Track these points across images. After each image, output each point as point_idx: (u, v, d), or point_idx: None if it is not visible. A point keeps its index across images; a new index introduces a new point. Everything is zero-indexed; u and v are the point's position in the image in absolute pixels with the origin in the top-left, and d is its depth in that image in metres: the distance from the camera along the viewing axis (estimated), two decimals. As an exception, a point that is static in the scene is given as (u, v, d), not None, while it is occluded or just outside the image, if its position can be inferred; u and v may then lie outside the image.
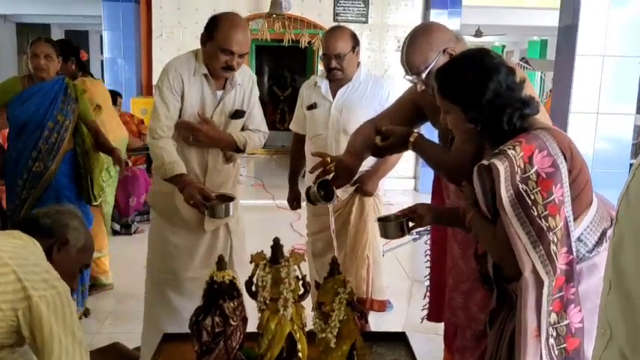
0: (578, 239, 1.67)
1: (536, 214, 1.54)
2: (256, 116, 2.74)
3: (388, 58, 7.70)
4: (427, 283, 2.50)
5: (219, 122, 2.59)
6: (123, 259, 4.86)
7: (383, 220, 2.07)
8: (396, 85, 2.90)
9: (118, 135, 4.11)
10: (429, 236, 2.51)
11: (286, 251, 1.78)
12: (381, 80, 3.16)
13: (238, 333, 1.75)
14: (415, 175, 7.88)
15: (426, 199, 2.45)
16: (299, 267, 1.76)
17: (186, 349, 1.85)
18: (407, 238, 2.47)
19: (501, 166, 1.55)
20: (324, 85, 3.08)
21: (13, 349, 1.77)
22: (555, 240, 1.55)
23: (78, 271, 1.96)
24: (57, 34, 13.97)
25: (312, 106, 3.11)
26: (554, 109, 4.71)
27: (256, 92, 2.74)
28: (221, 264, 1.77)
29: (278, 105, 11.80)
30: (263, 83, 11.96)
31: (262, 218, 5.72)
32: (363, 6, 7.80)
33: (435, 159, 2.12)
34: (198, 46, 2.62)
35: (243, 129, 2.69)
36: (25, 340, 1.71)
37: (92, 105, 3.72)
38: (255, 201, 6.57)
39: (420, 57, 2.00)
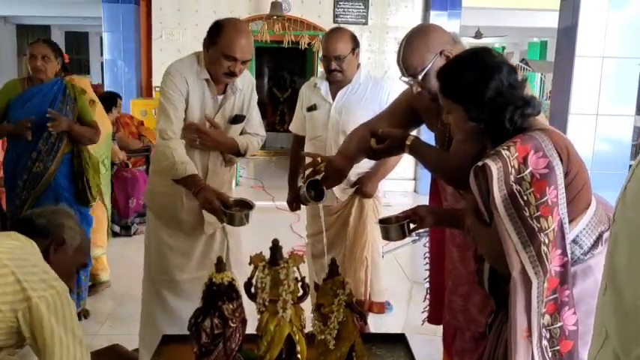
0: (574, 241, 1.66)
1: (528, 214, 1.55)
2: (255, 120, 2.74)
3: (388, 60, 7.70)
4: (427, 285, 2.50)
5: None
6: (122, 261, 4.86)
7: (384, 223, 2.07)
8: (396, 86, 2.90)
9: (104, 130, 4.09)
10: (427, 239, 2.50)
11: (285, 253, 1.78)
12: (380, 82, 3.16)
13: (237, 334, 1.75)
14: (415, 176, 7.89)
15: (426, 200, 2.45)
16: (298, 268, 1.75)
17: (186, 351, 1.85)
18: (406, 239, 2.47)
19: (494, 167, 1.56)
20: (324, 86, 3.08)
21: (12, 350, 1.77)
22: (547, 241, 1.55)
23: (75, 271, 1.96)
24: (57, 36, 14.00)
25: (311, 108, 3.11)
26: (554, 111, 4.71)
27: (255, 96, 2.74)
28: (220, 265, 1.77)
29: (278, 106, 11.80)
30: (263, 85, 11.97)
31: (261, 219, 5.68)
32: (362, 7, 7.80)
33: (433, 162, 2.11)
34: (198, 47, 2.61)
35: (241, 133, 2.69)
36: (25, 341, 1.71)
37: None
38: (255, 202, 6.55)
39: (417, 58, 2.00)
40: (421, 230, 2.35)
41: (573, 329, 1.61)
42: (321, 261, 3.12)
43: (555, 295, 1.59)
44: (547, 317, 1.59)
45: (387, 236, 2.06)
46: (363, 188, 3.05)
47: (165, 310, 2.70)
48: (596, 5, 4.31)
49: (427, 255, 2.47)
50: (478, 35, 11.90)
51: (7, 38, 13.27)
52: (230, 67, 2.42)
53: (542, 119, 1.84)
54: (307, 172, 2.30)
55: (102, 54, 8.15)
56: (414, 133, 2.47)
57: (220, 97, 2.58)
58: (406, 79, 2.07)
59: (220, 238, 2.73)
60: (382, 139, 2.10)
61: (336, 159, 2.28)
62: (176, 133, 2.46)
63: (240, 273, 2.44)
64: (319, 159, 2.27)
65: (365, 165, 3.05)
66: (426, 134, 2.28)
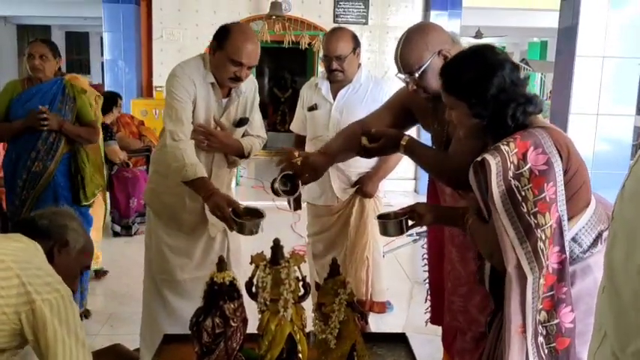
0: (573, 239, 1.67)
1: (525, 210, 1.55)
2: (257, 122, 2.75)
3: (388, 60, 7.69)
4: (427, 286, 2.50)
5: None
6: (123, 261, 4.87)
7: (383, 218, 2.08)
8: (396, 86, 2.91)
9: None
10: (425, 240, 2.50)
11: (286, 252, 1.78)
12: (381, 82, 3.16)
13: (238, 334, 1.76)
14: (415, 176, 7.89)
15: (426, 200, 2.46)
16: (299, 268, 1.76)
17: (187, 350, 1.86)
18: (407, 239, 2.48)
19: (493, 161, 1.57)
20: (325, 86, 3.08)
21: (14, 351, 1.77)
22: (543, 237, 1.55)
23: (78, 273, 1.97)
24: (57, 36, 14.01)
25: (312, 108, 3.12)
26: (554, 110, 4.71)
27: (257, 98, 2.74)
28: (221, 265, 1.77)
29: (278, 106, 11.81)
30: (263, 85, 11.96)
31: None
32: (363, 7, 7.81)
33: (431, 162, 2.11)
34: (198, 47, 2.63)
35: (243, 135, 2.70)
36: (27, 343, 1.71)
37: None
38: (255, 202, 6.56)
39: (415, 56, 2.00)
40: (421, 230, 2.36)
41: (570, 327, 1.61)
42: (322, 261, 3.12)
43: (552, 292, 1.59)
44: (543, 314, 1.60)
45: (385, 232, 2.06)
46: (364, 188, 3.05)
47: (167, 309, 2.71)
48: (597, 5, 4.31)
49: (425, 256, 2.47)
50: (478, 35, 11.90)
51: (8, 38, 13.28)
52: (236, 72, 2.42)
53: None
54: (282, 165, 2.29)
55: (102, 54, 8.14)
56: (413, 134, 2.47)
57: (225, 101, 2.58)
58: (402, 76, 2.07)
59: (221, 238, 2.73)
60: (376, 138, 2.10)
61: (314, 156, 2.27)
62: (186, 134, 2.44)
63: (239, 272, 2.45)
64: (296, 153, 2.26)
65: (365, 165, 3.05)
66: (425, 135, 2.28)
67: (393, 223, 2.02)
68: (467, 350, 2.12)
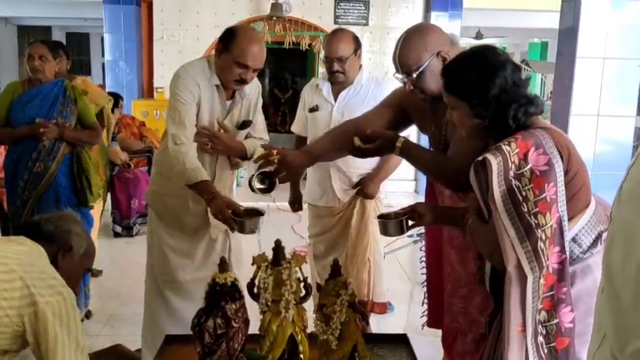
0: (573, 240, 1.67)
1: (526, 210, 1.56)
2: (259, 124, 2.75)
3: (389, 61, 7.61)
4: (424, 289, 2.49)
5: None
6: (124, 261, 4.88)
7: (383, 218, 2.08)
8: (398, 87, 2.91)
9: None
10: (423, 242, 2.49)
11: (287, 253, 1.78)
12: (382, 83, 3.16)
13: (240, 335, 1.76)
14: (416, 177, 7.89)
15: (426, 201, 2.46)
16: (300, 269, 1.76)
17: (188, 351, 1.86)
18: (408, 240, 2.49)
19: (494, 161, 1.57)
20: (326, 87, 3.09)
21: (14, 354, 1.77)
22: (544, 237, 1.56)
23: (81, 276, 1.98)
24: (58, 37, 14.01)
25: (313, 109, 3.12)
26: (555, 112, 4.71)
27: (260, 101, 2.75)
28: (223, 266, 1.77)
29: (279, 107, 11.80)
30: (264, 85, 11.96)
31: (263, 220, 5.72)
32: (363, 8, 7.81)
33: (428, 164, 2.11)
34: (199, 48, 2.63)
35: (246, 137, 2.70)
36: (27, 346, 1.72)
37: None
38: (256, 203, 6.55)
39: (413, 56, 2.00)
40: (422, 231, 2.36)
41: (570, 326, 1.62)
42: (323, 262, 3.13)
43: (552, 292, 1.60)
44: (543, 313, 1.60)
45: (385, 232, 2.06)
46: (365, 189, 3.05)
47: (168, 310, 2.71)
48: (597, 6, 4.31)
49: (423, 259, 2.47)
50: (479, 36, 11.90)
51: (9, 39, 13.27)
52: (241, 74, 2.42)
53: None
54: (260, 162, 2.29)
55: (103, 55, 8.13)
56: (413, 136, 2.47)
57: (229, 103, 2.58)
58: (400, 76, 2.07)
59: (222, 239, 2.74)
60: (371, 139, 2.09)
61: (292, 155, 2.27)
62: (188, 138, 2.44)
63: (241, 273, 2.45)
64: (274, 151, 2.26)
65: (366, 166, 3.05)
66: (424, 137, 2.28)
67: (394, 223, 2.02)
68: (467, 352, 2.12)
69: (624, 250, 0.98)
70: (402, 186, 7.57)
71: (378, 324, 3.32)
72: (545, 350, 1.61)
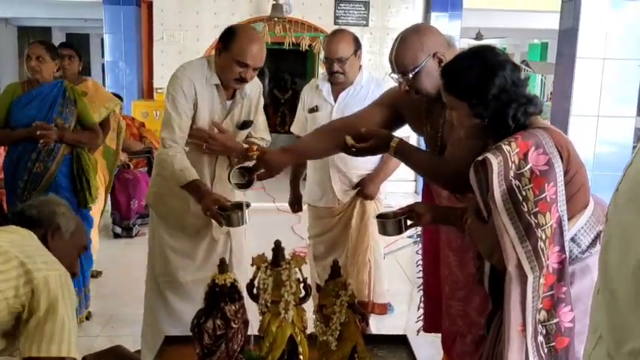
0: (572, 240, 1.68)
1: (526, 210, 1.56)
2: (260, 124, 2.75)
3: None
4: (421, 293, 2.48)
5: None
6: (124, 262, 4.87)
7: (381, 218, 2.08)
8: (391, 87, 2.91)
9: None
10: (420, 245, 2.49)
11: (287, 254, 1.78)
12: (382, 83, 3.15)
13: (240, 335, 1.76)
14: (416, 177, 7.89)
15: (427, 202, 2.45)
16: (300, 270, 1.76)
17: (188, 352, 1.86)
18: (408, 240, 2.49)
19: (495, 161, 1.58)
20: (326, 88, 3.09)
21: (11, 350, 1.78)
22: (544, 237, 1.56)
23: (76, 255, 1.99)
24: (58, 38, 14.00)
25: (313, 109, 3.12)
26: (555, 112, 4.71)
27: (262, 101, 2.75)
28: (223, 267, 1.77)
29: (279, 108, 11.80)
30: (264, 86, 11.90)
31: (263, 221, 5.71)
32: (363, 9, 7.81)
33: (425, 165, 2.11)
34: (199, 48, 2.64)
35: (247, 137, 2.70)
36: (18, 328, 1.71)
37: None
38: (256, 204, 6.54)
39: (410, 57, 2.00)
40: (421, 232, 2.36)
41: (569, 326, 1.62)
42: (323, 262, 3.12)
43: (552, 292, 1.60)
44: (543, 313, 1.61)
45: (384, 231, 2.07)
46: (365, 190, 3.05)
47: (168, 310, 2.71)
48: (597, 7, 4.31)
49: (420, 262, 2.46)
50: (479, 37, 11.90)
51: (9, 40, 13.27)
52: (241, 73, 2.42)
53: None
54: (242, 156, 2.30)
55: (103, 55, 8.14)
56: (413, 139, 2.46)
57: (229, 103, 2.58)
58: (396, 76, 2.07)
59: (223, 239, 2.74)
60: (365, 138, 2.09)
61: (272, 153, 2.27)
62: (177, 140, 2.46)
63: (242, 274, 2.45)
64: (254, 147, 2.25)
65: (366, 167, 3.05)
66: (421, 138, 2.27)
67: (392, 222, 2.03)
68: (467, 353, 2.12)
69: (620, 251, 0.98)
70: (402, 187, 7.56)
71: (377, 325, 3.31)
72: (545, 350, 1.61)
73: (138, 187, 5.58)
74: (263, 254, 1.79)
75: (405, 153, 2.09)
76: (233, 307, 1.73)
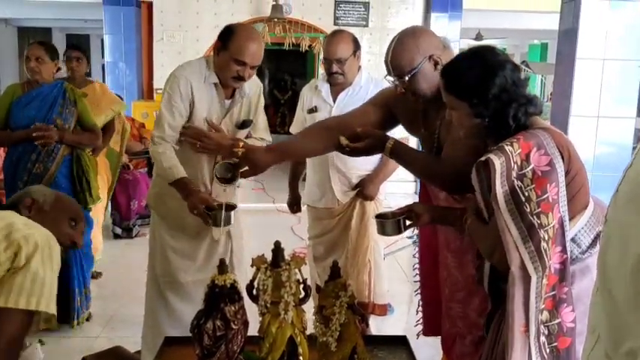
0: (572, 240, 1.68)
1: (528, 210, 1.56)
2: (260, 124, 2.75)
3: (388, 62, 7.69)
4: (418, 297, 2.47)
5: (226, 132, 2.60)
6: (124, 263, 4.88)
7: (380, 218, 2.08)
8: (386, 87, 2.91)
9: None
10: (416, 249, 2.48)
11: (286, 255, 1.78)
12: (381, 84, 3.14)
13: (239, 336, 1.76)
14: (416, 178, 7.88)
15: (427, 202, 2.44)
16: (300, 271, 1.76)
17: (188, 353, 1.86)
18: (408, 241, 2.49)
19: (497, 161, 1.58)
20: (325, 88, 3.09)
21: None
22: (546, 237, 1.56)
23: (66, 226, 1.96)
24: (58, 38, 14.00)
25: (312, 110, 3.12)
26: (555, 113, 4.71)
27: (262, 101, 2.75)
28: (222, 267, 1.77)
29: (278, 108, 11.82)
30: (264, 87, 11.96)
31: (263, 222, 5.72)
32: (363, 10, 7.81)
33: (421, 166, 2.10)
34: (199, 49, 2.64)
35: (247, 137, 2.70)
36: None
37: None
38: (256, 204, 6.58)
39: (406, 59, 2.00)
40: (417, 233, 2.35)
41: (571, 326, 1.62)
42: (323, 263, 3.12)
43: (554, 292, 1.60)
44: (545, 314, 1.61)
45: (382, 231, 2.07)
46: (365, 191, 3.05)
47: (169, 311, 2.71)
48: (597, 7, 4.31)
49: (417, 266, 2.46)
50: (479, 37, 11.90)
51: (9, 41, 13.27)
52: (239, 71, 2.43)
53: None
54: (225, 152, 2.30)
55: (103, 56, 8.14)
56: (413, 141, 2.45)
57: (228, 102, 2.59)
58: (392, 78, 2.07)
59: (224, 240, 2.74)
60: (360, 138, 2.08)
61: (257, 152, 2.26)
62: (166, 138, 2.48)
63: (242, 275, 2.46)
64: (240, 144, 2.25)
65: (366, 167, 3.05)
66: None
67: (391, 222, 2.03)
68: (466, 354, 2.12)
69: (620, 251, 0.98)
70: (402, 187, 7.57)
71: (377, 325, 3.31)
72: (548, 350, 1.61)
73: (138, 188, 5.58)
74: (263, 255, 1.79)
75: (400, 154, 2.09)
76: (233, 308, 1.73)
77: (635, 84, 4.50)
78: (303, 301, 1.78)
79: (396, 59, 2.02)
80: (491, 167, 1.59)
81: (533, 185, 1.57)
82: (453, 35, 7.61)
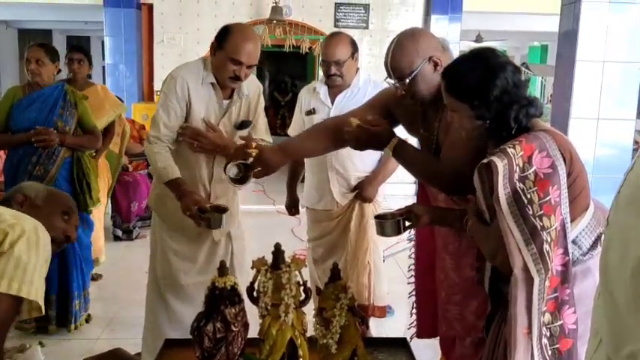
0: (573, 242, 1.68)
1: (531, 212, 1.57)
2: (261, 126, 2.75)
3: (389, 64, 7.69)
4: (413, 299, 2.47)
5: (225, 132, 2.60)
6: (124, 265, 4.87)
7: (380, 218, 2.08)
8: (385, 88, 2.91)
9: None
10: (412, 251, 2.48)
11: (287, 257, 1.78)
12: (380, 85, 3.14)
13: (240, 339, 1.76)
14: (416, 180, 7.87)
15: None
16: (300, 273, 1.76)
17: (188, 355, 1.86)
18: (408, 243, 2.48)
19: (500, 164, 1.58)
20: (323, 90, 3.09)
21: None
22: (549, 239, 1.56)
23: (61, 219, 1.95)
24: (59, 40, 14.00)
25: (310, 112, 3.12)
26: (555, 115, 4.71)
27: (262, 102, 2.75)
28: (223, 270, 1.77)
29: (279, 110, 11.83)
30: (264, 89, 11.97)
31: (263, 224, 5.72)
32: (363, 12, 7.82)
33: (420, 166, 2.10)
34: (199, 51, 2.65)
35: None
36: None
37: None
38: (256, 206, 6.57)
39: (406, 62, 2.00)
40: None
41: (573, 328, 1.63)
42: (323, 265, 3.12)
43: (556, 294, 1.61)
44: (547, 315, 1.61)
45: (382, 232, 2.07)
46: (363, 193, 3.05)
47: (169, 313, 2.71)
48: (597, 10, 4.31)
49: (412, 267, 2.46)
50: (479, 39, 11.90)
51: (9, 42, 13.28)
52: (235, 70, 2.43)
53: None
54: (238, 153, 2.28)
55: (103, 58, 8.16)
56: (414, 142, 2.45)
57: (226, 102, 2.59)
58: (392, 80, 2.07)
59: (225, 242, 2.74)
60: (372, 125, 2.08)
61: (269, 152, 2.26)
62: (161, 138, 2.49)
63: (243, 277, 2.45)
64: (253, 144, 2.25)
65: (365, 169, 3.05)
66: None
67: (390, 223, 2.03)
68: (466, 356, 2.12)
69: (620, 254, 0.99)
70: (402, 189, 7.56)
71: (377, 328, 3.31)
72: (549, 352, 1.62)
73: (138, 190, 5.58)
74: (263, 257, 1.79)
75: (402, 152, 2.09)
76: (233, 310, 1.73)
77: (635, 86, 4.50)
78: (304, 303, 1.78)
79: (396, 62, 2.02)
80: (493, 169, 1.59)
81: (536, 187, 1.57)
82: (453, 37, 7.62)
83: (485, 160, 1.63)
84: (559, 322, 1.62)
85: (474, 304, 2.06)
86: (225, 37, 2.43)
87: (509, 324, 1.63)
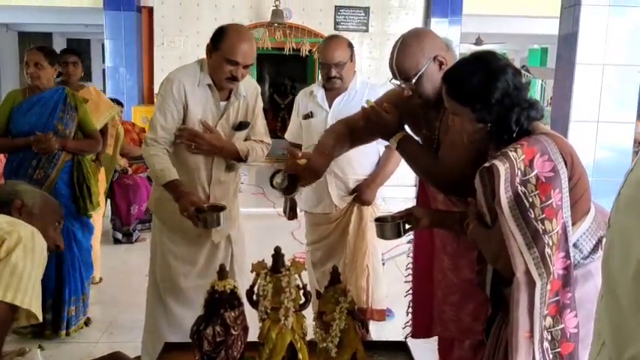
0: (574, 245, 1.68)
1: (533, 216, 1.56)
2: (259, 127, 2.75)
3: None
4: (409, 299, 2.46)
5: (223, 133, 2.60)
6: (124, 268, 4.87)
7: (380, 221, 2.08)
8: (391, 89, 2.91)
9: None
10: (410, 250, 2.48)
11: (286, 259, 1.78)
12: (377, 88, 3.16)
13: (239, 342, 1.75)
14: (416, 182, 7.86)
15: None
16: (300, 276, 1.76)
17: (187, 359, 1.85)
18: (407, 246, 2.48)
19: (502, 167, 1.58)
20: (321, 94, 3.09)
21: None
22: (551, 243, 1.56)
23: (53, 228, 1.96)
24: (59, 43, 14.02)
25: (308, 115, 3.12)
26: (555, 117, 4.71)
27: (260, 103, 2.75)
28: (222, 273, 1.77)
29: (278, 113, 11.84)
30: (264, 91, 12.01)
31: (263, 226, 5.72)
32: (363, 15, 7.83)
33: (422, 163, 2.11)
34: (199, 54, 2.64)
35: (246, 140, 2.70)
36: None
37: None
38: (256, 209, 6.56)
39: (411, 62, 2.00)
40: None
41: (574, 332, 1.63)
42: (322, 269, 3.12)
43: (557, 298, 1.61)
44: (549, 319, 1.61)
45: (382, 235, 2.06)
46: (362, 196, 3.05)
47: (168, 317, 2.71)
48: (597, 12, 4.31)
49: (410, 266, 2.45)
50: (479, 42, 11.92)
51: (10, 46, 13.30)
52: (232, 71, 2.44)
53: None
54: (289, 163, 2.23)
55: (104, 61, 8.17)
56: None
57: (224, 104, 2.59)
58: (398, 82, 2.07)
59: (225, 245, 2.74)
60: (386, 111, 2.09)
61: (314, 158, 2.21)
62: (158, 140, 2.50)
63: (243, 281, 2.45)
64: (299, 154, 2.22)
65: (363, 172, 3.05)
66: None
67: (390, 226, 2.03)
68: (465, 358, 2.11)
69: (622, 256, 0.98)
70: (402, 191, 7.55)
71: (377, 331, 3.30)
72: (551, 356, 1.62)
73: (138, 193, 5.57)
74: (263, 260, 1.79)
75: (405, 147, 2.10)
76: (233, 314, 1.73)
77: (635, 89, 4.50)
78: (303, 306, 1.77)
79: (402, 62, 2.02)
80: (495, 173, 1.59)
81: (537, 191, 1.57)
82: (453, 40, 7.61)
83: (487, 164, 1.63)
84: (560, 326, 1.62)
85: (471, 306, 2.06)
86: (221, 38, 2.44)
87: (511, 327, 1.63)
